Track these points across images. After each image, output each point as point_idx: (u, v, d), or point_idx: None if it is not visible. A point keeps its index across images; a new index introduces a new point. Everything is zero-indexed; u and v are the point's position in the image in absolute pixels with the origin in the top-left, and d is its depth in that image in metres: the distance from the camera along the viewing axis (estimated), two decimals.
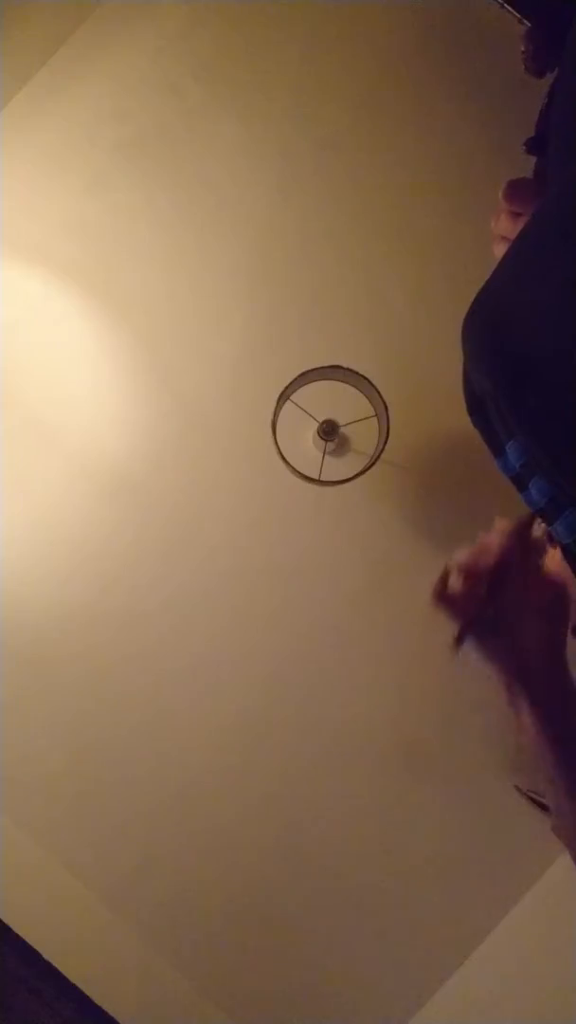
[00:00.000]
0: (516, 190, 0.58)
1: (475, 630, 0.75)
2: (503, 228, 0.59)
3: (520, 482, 0.47)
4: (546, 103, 0.59)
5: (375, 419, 1.74)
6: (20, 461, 1.89)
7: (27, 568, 1.88)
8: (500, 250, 0.57)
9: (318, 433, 1.81)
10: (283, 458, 1.69)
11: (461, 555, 0.78)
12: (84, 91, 1.96)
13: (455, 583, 0.76)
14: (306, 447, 1.86)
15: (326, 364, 1.71)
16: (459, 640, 0.75)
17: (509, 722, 0.76)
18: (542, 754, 0.73)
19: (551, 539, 0.83)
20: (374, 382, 1.69)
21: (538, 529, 0.78)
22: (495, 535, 0.77)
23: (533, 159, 0.64)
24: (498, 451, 0.48)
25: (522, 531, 0.77)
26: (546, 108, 0.60)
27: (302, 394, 1.76)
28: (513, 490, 0.50)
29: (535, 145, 0.61)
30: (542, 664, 0.75)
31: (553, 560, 0.81)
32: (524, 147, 0.63)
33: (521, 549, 0.76)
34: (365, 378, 1.69)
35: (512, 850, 1.78)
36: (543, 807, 1.53)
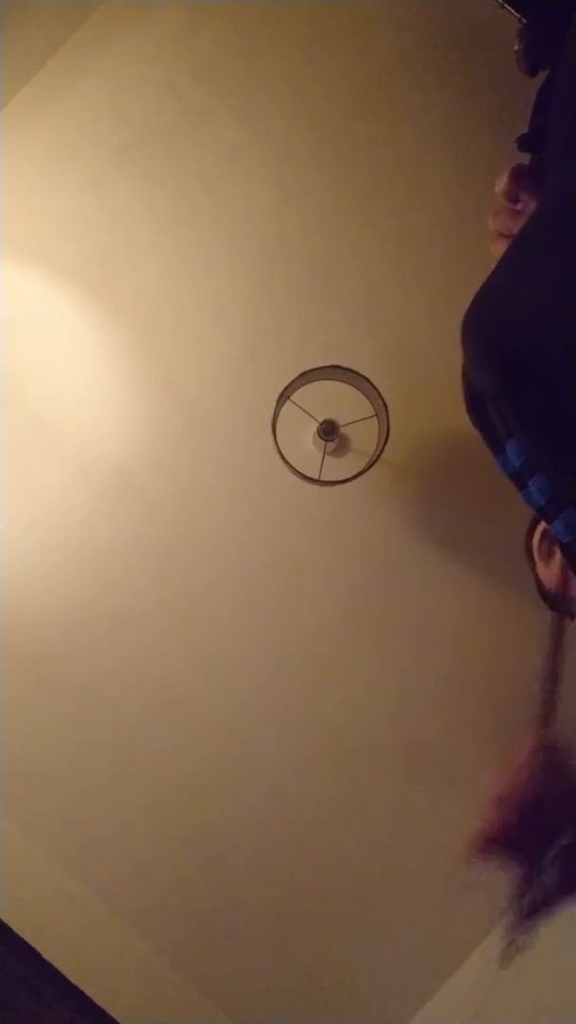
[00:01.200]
0: (519, 176, 0.58)
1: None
2: (501, 225, 0.59)
3: (520, 481, 0.47)
4: (537, 101, 0.60)
5: (375, 419, 1.74)
6: (20, 461, 1.89)
7: (27, 568, 1.88)
8: (498, 248, 0.57)
9: (318, 433, 1.81)
10: (283, 458, 1.69)
11: (494, 786, 0.71)
12: (84, 91, 1.96)
13: (493, 815, 0.70)
14: (306, 447, 1.86)
15: (326, 364, 1.71)
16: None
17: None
18: None
19: (551, 540, 0.84)
20: (374, 382, 1.69)
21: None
22: (522, 756, 0.70)
23: (528, 157, 0.64)
24: (498, 450, 0.47)
25: (545, 752, 0.70)
26: (538, 106, 0.60)
27: (302, 394, 1.76)
28: (513, 490, 0.50)
29: (528, 142, 0.61)
30: None
31: (552, 567, 0.81)
32: (516, 144, 0.63)
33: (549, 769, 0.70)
34: (365, 378, 1.69)
35: None
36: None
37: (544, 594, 0.86)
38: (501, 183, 0.58)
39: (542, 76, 0.64)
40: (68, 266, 1.93)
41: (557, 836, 0.66)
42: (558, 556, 0.80)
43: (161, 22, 1.96)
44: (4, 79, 1.93)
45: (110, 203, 1.94)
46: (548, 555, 0.83)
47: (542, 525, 0.87)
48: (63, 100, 1.96)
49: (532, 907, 0.65)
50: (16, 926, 1.70)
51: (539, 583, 0.83)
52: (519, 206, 0.57)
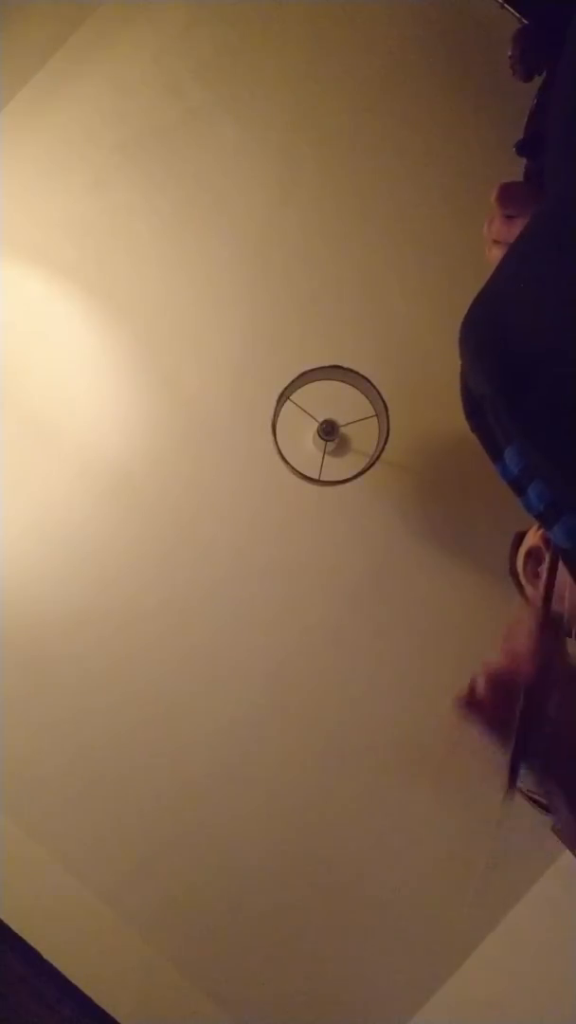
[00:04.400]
0: (508, 193, 0.58)
1: (525, 755, 0.68)
2: (496, 232, 0.58)
3: (519, 487, 0.47)
4: (534, 106, 0.59)
5: (375, 419, 1.74)
6: (20, 461, 1.89)
7: (27, 568, 1.88)
8: (494, 255, 0.57)
9: (318, 433, 1.81)
10: (283, 458, 1.69)
11: (490, 663, 0.72)
12: (84, 91, 1.96)
13: (484, 690, 0.71)
14: (306, 447, 1.86)
15: (326, 364, 1.71)
16: (512, 778, 0.68)
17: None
18: None
19: (547, 544, 0.83)
20: (374, 382, 1.69)
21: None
22: (521, 638, 0.70)
23: (524, 163, 0.63)
24: (496, 455, 0.47)
25: (548, 631, 0.71)
26: (535, 111, 0.60)
27: (302, 394, 1.75)
28: (511, 492, 0.50)
29: (525, 147, 0.61)
30: None
31: (539, 588, 0.81)
32: (515, 149, 0.62)
33: (550, 652, 0.70)
34: (365, 378, 1.69)
35: (512, 850, 1.78)
36: (543, 807, 1.53)
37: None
38: (494, 194, 0.58)
39: (538, 81, 0.64)
40: (68, 266, 1.93)
41: (542, 721, 0.68)
42: (543, 577, 0.80)
43: (161, 22, 1.96)
44: (4, 79, 1.92)
45: (110, 203, 1.94)
46: (534, 576, 0.82)
47: (524, 547, 0.86)
48: (63, 100, 1.95)
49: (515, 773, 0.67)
50: (16, 926, 1.70)
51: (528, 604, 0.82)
52: (514, 212, 0.57)
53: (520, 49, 0.64)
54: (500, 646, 0.72)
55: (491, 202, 0.59)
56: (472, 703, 0.70)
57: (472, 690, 0.70)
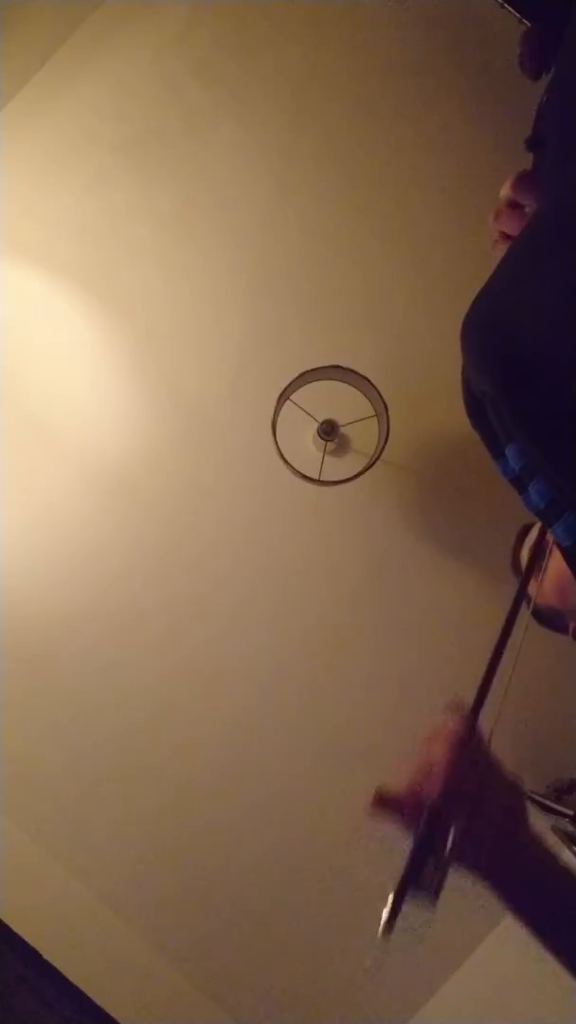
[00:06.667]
0: (523, 182, 0.57)
1: (433, 859, 0.69)
2: (504, 225, 0.58)
3: (520, 485, 0.47)
4: (543, 102, 0.59)
5: (375, 419, 1.74)
6: (20, 461, 1.89)
7: (27, 568, 1.87)
8: (499, 250, 0.57)
9: (318, 433, 1.81)
10: (283, 458, 1.69)
11: (405, 767, 0.73)
12: (84, 91, 1.96)
13: (397, 790, 0.71)
14: (306, 447, 1.86)
15: (326, 364, 1.71)
16: (393, 913, 0.68)
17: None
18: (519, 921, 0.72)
19: (545, 536, 0.84)
20: (374, 382, 1.69)
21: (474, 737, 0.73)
22: (438, 751, 0.71)
23: (531, 157, 0.63)
24: (497, 454, 0.47)
25: (465, 734, 0.72)
26: (543, 107, 0.60)
27: (302, 394, 1.75)
28: (511, 491, 0.50)
29: (534, 143, 0.61)
30: (509, 862, 0.72)
31: (545, 582, 0.81)
32: (525, 145, 0.62)
33: (466, 751, 0.71)
34: (365, 378, 1.69)
35: None
36: (543, 807, 1.53)
37: (536, 611, 0.86)
38: (506, 186, 0.57)
39: (546, 79, 0.64)
40: (68, 266, 1.92)
41: (453, 815, 0.69)
42: (549, 571, 0.80)
43: (161, 22, 1.95)
44: (4, 79, 1.92)
45: (110, 203, 1.94)
46: (539, 571, 0.82)
47: (528, 542, 0.86)
48: (63, 100, 1.95)
49: (416, 876, 0.67)
50: (16, 926, 1.70)
51: (529, 600, 0.82)
52: (523, 208, 0.56)
53: (529, 46, 0.64)
54: (418, 751, 0.72)
55: (500, 195, 0.58)
56: (384, 802, 0.70)
57: (380, 795, 0.70)
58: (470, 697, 0.76)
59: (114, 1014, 1.69)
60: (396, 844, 0.73)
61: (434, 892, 0.68)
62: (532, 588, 0.84)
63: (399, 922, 0.66)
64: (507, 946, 1.71)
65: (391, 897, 0.67)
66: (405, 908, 0.67)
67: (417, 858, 0.68)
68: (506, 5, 1.69)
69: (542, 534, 0.82)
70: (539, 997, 1.45)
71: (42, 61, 1.96)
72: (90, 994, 1.70)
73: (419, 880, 0.68)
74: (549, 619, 1.01)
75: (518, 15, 1.66)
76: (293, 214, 1.93)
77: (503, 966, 1.68)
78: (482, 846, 0.68)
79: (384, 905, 0.67)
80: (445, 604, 1.83)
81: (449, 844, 0.67)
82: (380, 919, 0.67)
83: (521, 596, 0.78)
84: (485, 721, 0.75)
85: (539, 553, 0.81)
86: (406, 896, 0.67)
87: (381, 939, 0.66)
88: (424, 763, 0.70)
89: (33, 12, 1.89)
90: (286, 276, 1.92)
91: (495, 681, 0.76)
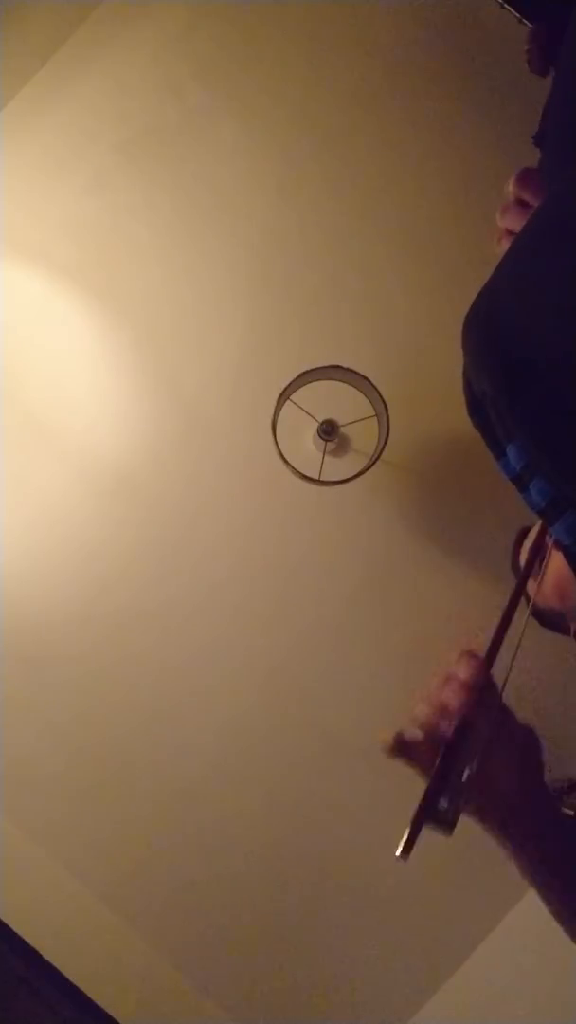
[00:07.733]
0: (527, 179, 0.57)
1: (448, 793, 0.71)
2: (509, 222, 0.58)
3: (521, 484, 0.47)
4: (551, 100, 0.59)
5: (375, 419, 1.74)
6: (20, 461, 1.89)
7: (27, 568, 1.87)
8: (503, 247, 0.57)
9: (318, 433, 1.81)
10: (283, 458, 1.69)
11: (420, 708, 0.74)
12: (84, 91, 1.96)
13: (414, 734, 0.73)
14: (306, 447, 1.86)
15: (326, 364, 1.71)
16: (412, 836, 0.71)
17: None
18: (537, 885, 0.72)
19: (545, 535, 0.84)
20: (374, 382, 1.69)
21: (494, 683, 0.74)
22: (454, 685, 0.73)
23: (537, 155, 0.63)
24: (499, 453, 0.47)
25: (482, 673, 0.73)
26: (549, 104, 0.60)
27: (302, 394, 1.75)
28: (512, 491, 0.50)
29: (541, 139, 0.61)
30: (524, 801, 0.72)
31: (545, 582, 0.81)
32: (532, 141, 0.62)
33: (482, 694, 0.72)
34: (365, 378, 1.69)
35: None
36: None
37: (536, 611, 0.86)
38: (510, 183, 0.57)
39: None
40: (68, 266, 1.93)
41: (468, 751, 0.71)
42: (549, 571, 0.80)
43: (161, 22, 1.96)
44: (4, 79, 1.92)
45: (110, 203, 1.94)
46: (538, 571, 0.83)
47: (528, 542, 0.87)
48: (63, 100, 1.96)
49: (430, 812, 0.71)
50: (16, 926, 1.70)
51: (529, 600, 0.83)
52: (528, 203, 0.56)
53: (537, 44, 0.64)
54: (431, 693, 0.73)
55: (505, 191, 0.58)
56: (401, 747, 0.72)
57: (399, 738, 0.72)
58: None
59: (114, 1014, 1.69)
60: (394, 847, 0.74)
61: (449, 824, 0.72)
62: (531, 588, 0.84)
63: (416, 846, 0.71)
64: (507, 946, 1.71)
65: (408, 828, 0.71)
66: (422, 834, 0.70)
67: (432, 791, 0.70)
68: (506, 6, 1.70)
69: (542, 535, 0.83)
70: (539, 997, 1.45)
71: (42, 61, 1.96)
72: (90, 994, 1.70)
73: (435, 813, 0.72)
74: (550, 620, 1.02)
75: (518, 15, 1.66)
76: (293, 214, 1.93)
77: (503, 966, 1.68)
78: (496, 784, 0.70)
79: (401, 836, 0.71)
80: (445, 603, 1.83)
81: (464, 777, 0.69)
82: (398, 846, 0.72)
83: (519, 595, 0.79)
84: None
85: (539, 554, 0.81)
86: (423, 826, 0.71)
87: (399, 858, 0.71)
88: (438, 705, 0.73)
89: (33, 12, 1.89)
90: (286, 276, 1.92)
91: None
